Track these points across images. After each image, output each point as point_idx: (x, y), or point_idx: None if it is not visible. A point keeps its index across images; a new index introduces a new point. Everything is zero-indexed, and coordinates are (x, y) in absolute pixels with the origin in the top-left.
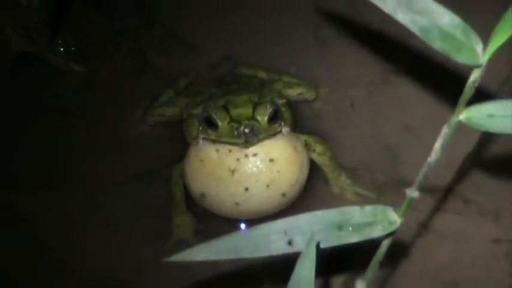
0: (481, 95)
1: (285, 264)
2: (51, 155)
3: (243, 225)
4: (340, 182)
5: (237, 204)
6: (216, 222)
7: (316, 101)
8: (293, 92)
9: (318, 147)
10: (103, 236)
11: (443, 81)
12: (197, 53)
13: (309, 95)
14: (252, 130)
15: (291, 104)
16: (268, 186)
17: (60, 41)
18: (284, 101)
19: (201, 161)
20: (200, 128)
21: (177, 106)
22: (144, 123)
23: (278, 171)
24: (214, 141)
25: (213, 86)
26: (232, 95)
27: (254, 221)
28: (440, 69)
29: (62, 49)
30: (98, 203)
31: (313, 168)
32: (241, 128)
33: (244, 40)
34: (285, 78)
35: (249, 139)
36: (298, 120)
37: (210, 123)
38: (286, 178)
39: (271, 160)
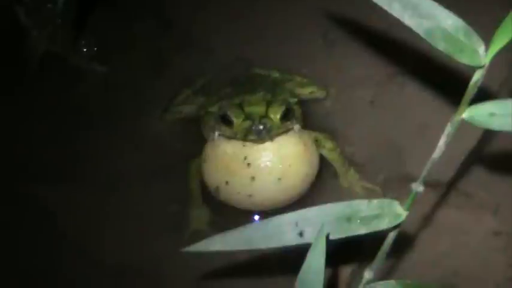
0: (483, 95)
1: (296, 255)
2: (74, 150)
3: (256, 217)
4: (349, 177)
5: (250, 196)
6: (231, 214)
7: (326, 100)
8: (305, 91)
9: (328, 144)
10: (124, 227)
11: (447, 81)
12: (213, 54)
13: (319, 93)
14: (265, 127)
15: (302, 103)
16: (279, 179)
17: (82, 42)
18: (295, 99)
19: (217, 156)
20: (216, 124)
21: (194, 104)
22: (163, 120)
23: (289, 166)
24: (229, 137)
25: (228, 85)
26: (247, 94)
27: (267, 213)
28: (444, 70)
29: (84, 50)
30: (119, 196)
31: (323, 164)
32: (255, 125)
33: (258, 42)
34: (297, 78)
35: (262, 136)
36: (308, 118)
37: (226, 120)
38: (297, 172)
39: (283, 155)
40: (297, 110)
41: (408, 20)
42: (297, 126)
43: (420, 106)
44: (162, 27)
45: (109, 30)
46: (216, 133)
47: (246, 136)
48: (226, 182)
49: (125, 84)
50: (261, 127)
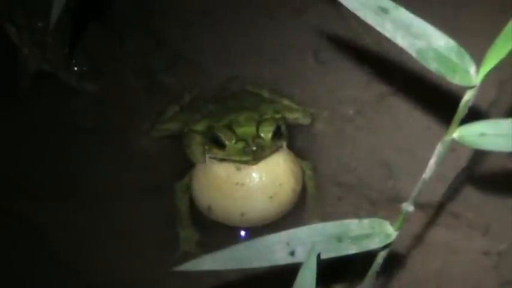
0: (473, 115)
1: (287, 274)
2: (64, 168)
3: (243, 232)
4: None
5: (242, 214)
6: (219, 233)
7: (316, 120)
8: (289, 115)
9: (308, 171)
10: (112, 245)
11: (437, 101)
12: (204, 73)
13: (303, 120)
14: (258, 147)
15: (286, 120)
16: (271, 197)
17: (73, 61)
18: (280, 115)
19: (209, 178)
20: (207, 147)
21: (180, 121)
22: (150, 137)
23: (280, 184)
24: (221, 160)
25: (211, 102)
26: (233, 114)
27: (254, 229)
28: (435, 90)
29: (75, 68)
30: (108, 214)
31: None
32: (249, 146)
33: (249, 62)
34: (284, 101)
35: (256, 156)
36: (298, 139)
37: (217, 143)
38: (286, 189)
39: (274, 174)
40: (283, 127)
41: (401, 40)
42: (284, 144)
43: (411, 126)
44: (153, 46)
45: (100, 49)
46: (207, 156)
47: (239, 158)
48: (219, 203)
49: (116, 103)
50: (255, 148)
